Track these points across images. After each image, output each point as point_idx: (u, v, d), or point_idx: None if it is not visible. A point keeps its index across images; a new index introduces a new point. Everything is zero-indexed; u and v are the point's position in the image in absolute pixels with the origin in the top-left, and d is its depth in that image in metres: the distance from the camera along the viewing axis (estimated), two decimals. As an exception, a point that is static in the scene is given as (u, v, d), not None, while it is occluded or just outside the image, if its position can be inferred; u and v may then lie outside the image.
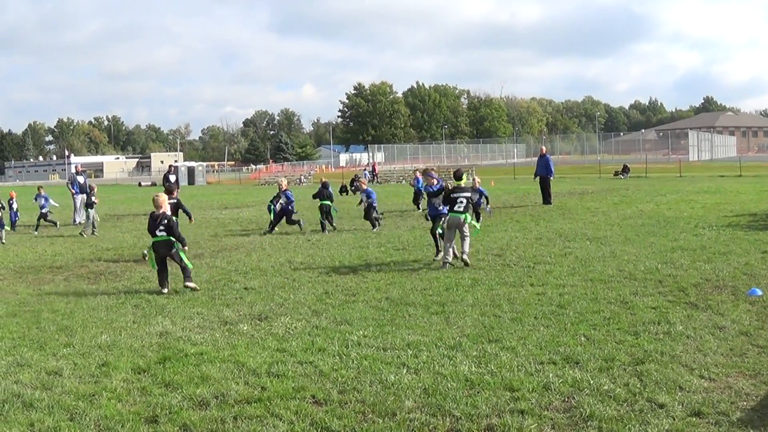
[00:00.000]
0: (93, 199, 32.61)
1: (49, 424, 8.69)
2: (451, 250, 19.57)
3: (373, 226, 29.75)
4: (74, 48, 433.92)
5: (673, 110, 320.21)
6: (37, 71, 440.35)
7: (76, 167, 42.12)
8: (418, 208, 38.15)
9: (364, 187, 31.60)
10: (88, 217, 32.51)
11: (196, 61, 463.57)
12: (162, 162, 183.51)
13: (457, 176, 20.54)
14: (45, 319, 14.62)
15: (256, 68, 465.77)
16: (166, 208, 18.28)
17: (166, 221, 17.67)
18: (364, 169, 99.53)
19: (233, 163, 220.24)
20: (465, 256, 19.47)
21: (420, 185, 38.67)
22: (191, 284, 17.33)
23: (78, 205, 38.35)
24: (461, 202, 19.78)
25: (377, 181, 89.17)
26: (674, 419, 8.37)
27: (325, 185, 30.84)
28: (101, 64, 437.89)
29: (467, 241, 19.81)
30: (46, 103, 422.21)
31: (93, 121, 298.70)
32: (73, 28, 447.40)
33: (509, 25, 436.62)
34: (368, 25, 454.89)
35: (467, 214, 19.86)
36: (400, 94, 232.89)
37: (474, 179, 29.93)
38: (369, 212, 30.22)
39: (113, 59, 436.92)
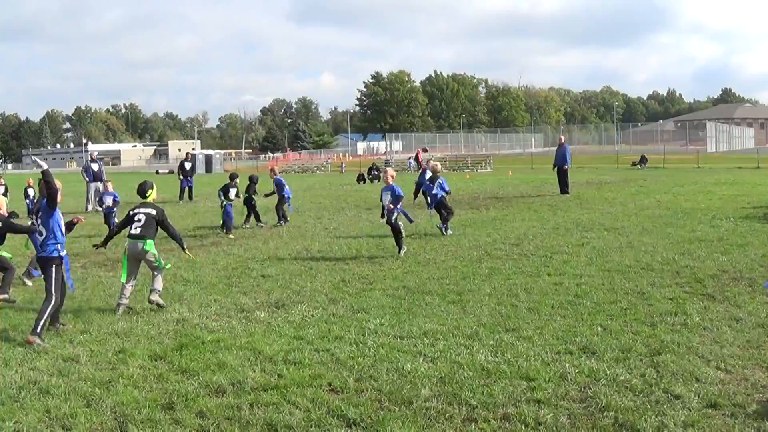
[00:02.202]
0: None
1: (66, 411, 8.74)
2: (129, 288, 14.52)
3: (279, 219, 29.20)
4: (94, 36, 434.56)
5: (692, 101, 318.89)
6: (57, 59, 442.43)
7: (90, 155, 42.04)
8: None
9: (276, 176, 31.04)
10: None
11: (216, 49, 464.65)
12: (179, 150, 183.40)
13: (140, 192, 15.09)
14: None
15: (276, 57, 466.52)
16: (5, 212, 15.64)
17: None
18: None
19: (251, 151, 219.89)
20: (153, 296, 14.37)
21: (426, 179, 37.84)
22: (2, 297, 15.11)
23: (92, 193, 38.28)
24: (139, 220, 14.63)
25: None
26: (690, 410, 8.38)
27: (252, 179, 30.37)
28: (121, 52, 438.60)
29: (158, 278, 14.65)
30: (64, 92, 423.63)
31: (110, 108, 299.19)
32: (93, 17, 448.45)
33: (529, 14, 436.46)
34: (387, 15, 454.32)
35: (147, 240, 14.47)
36: (417, 83, 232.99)
37: (433, 165, 26.76)
38: (280, 204, 29.69)
39: (133, 47, 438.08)
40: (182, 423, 8.38)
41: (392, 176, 21.47)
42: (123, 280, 14.40)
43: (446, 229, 24.04)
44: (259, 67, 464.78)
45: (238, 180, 27.50)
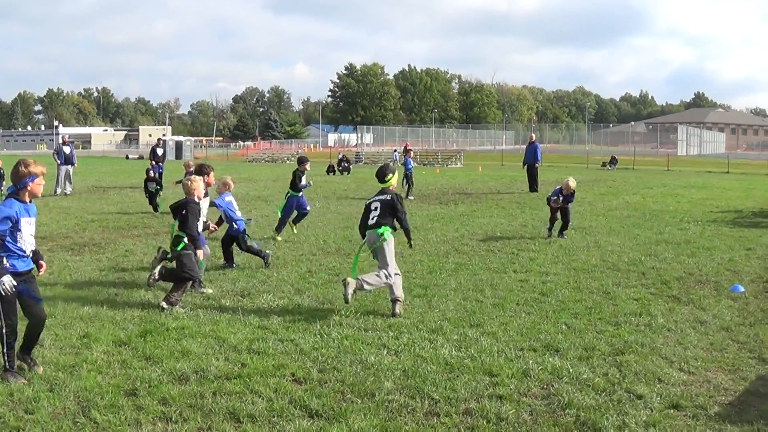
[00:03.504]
0: None
1: (29, 395, 8.67)
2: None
3: None
4: (70, 19, 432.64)
5: (664, 104, 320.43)
6: (32, 41, 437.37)
7: (62, 138, 41.97)
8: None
9: (191, 169, 31.06)
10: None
11: (192, 36, 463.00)
12: (150, 135, 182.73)
13: (379, 176, 13.99)
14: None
15: (251, 45, 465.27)
16: (200, 194, 14.18)
17: (184, 211, 13.67)
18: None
19: (221, 138, 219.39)
20: (396, 308, 12.89)
21: (410, 166, 38.66)
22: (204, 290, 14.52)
23: (62, 176, 38.20)
24: (375, 209, 13.48)
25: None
26: (652, 410, 8.43)
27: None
28: (96, 35, 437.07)
29: (382, 273, 13.04)
30: (39, 74, 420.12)
31: (82, 92, 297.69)
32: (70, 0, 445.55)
33: (507, 12, 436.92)
34: (365, 7, 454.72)
35: (385, 228, 13.21)
36: (391, 77, 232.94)
37: (568, 183, 22.31)
38: None
39: (108, 31, 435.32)
40: (145, 409, 8.35)
41: (226, 185, 18.00)
42: (353, 275, 13.16)
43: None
44: (234, 55, 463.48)
45: (309, 165, 23.91)
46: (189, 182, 13.99)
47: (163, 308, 12.90)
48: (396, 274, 13.11)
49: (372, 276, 12.94)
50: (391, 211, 13.31)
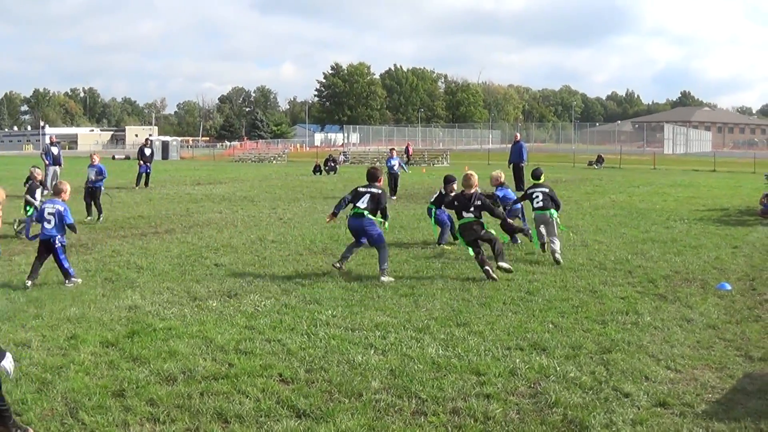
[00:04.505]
0: None
1: (17, 396, 8.67)
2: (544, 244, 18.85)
3: (99, 212, 27.56)
4: (58, 19, 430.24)
5: (650, 103, 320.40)
6: (19, 41, 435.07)
7: (50, 138, 41.92)
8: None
9: (96, 162, 29.76)
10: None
11: (179, 36, 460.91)
12: (137, 135, 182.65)
13: (535, 175, 19.81)
14: (14, 290, 14.54)
15: (238, 45, 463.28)
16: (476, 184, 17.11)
17: (479, 202, 16.57)
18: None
19: (208, 138, 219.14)
20: (557, 255, 17.89)
21: (391, 165, 39.04)
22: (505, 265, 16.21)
23: (49, 177, 38.10)
24: (536, 197, 18.89)
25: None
26: (639, 408, 8.45)
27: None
28: (83, 35, 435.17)
29: (554, 239, 18.25)
30: (25, 74, 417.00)
31: (69, 92, 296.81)
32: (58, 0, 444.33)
33: (493, 11, 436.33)
34: (351, 6, 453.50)
35: (551, 210, 18.64)
36: (377, 76, 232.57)
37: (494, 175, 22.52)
38: (95, 193, 28.22)
39: (95, 31, 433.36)
40: (132, 410, 8.35)
41: (65, 191, 16.31)
42: (537, 246, 19.13)
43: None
44: (220, 55, 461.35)
45: (455, 185, 20.79)
46: (470, 176, 17.06)
47: (511, 269, 16.25)
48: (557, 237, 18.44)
49: (556, 243, 18.15)
50: (551, 198, 18.96)
